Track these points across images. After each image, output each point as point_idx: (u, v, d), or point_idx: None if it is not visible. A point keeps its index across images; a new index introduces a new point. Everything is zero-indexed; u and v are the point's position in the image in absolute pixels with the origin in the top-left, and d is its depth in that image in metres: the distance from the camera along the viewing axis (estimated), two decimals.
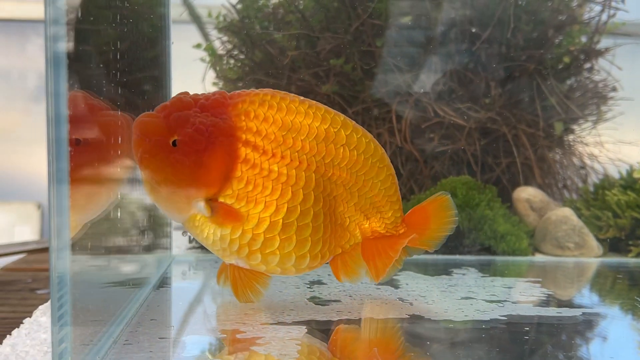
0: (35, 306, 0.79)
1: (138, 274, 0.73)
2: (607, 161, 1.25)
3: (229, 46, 1.25)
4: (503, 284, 0.81)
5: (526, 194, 1.05)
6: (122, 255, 0.68)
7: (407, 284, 0.80)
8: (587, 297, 0.84)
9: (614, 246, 1.05)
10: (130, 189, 0.69)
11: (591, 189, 1.14)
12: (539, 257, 1.01)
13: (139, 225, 0.74)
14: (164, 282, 0.80)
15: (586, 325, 0.67)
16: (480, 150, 1.10)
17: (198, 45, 1.26)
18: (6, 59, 1.65)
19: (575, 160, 1.27)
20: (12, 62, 1.66)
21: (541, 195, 1.05)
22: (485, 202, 0.99)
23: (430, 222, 0.69)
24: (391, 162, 0.68)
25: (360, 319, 0.66)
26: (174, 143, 0.58)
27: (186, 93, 0.61)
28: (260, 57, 1.19)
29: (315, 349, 0.58)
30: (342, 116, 0.65)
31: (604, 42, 1.21)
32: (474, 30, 1.13)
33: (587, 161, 1.27)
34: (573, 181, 1.26)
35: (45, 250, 1.20)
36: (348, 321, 0.65)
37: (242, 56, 1.25)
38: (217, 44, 1.26)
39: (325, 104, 1.15)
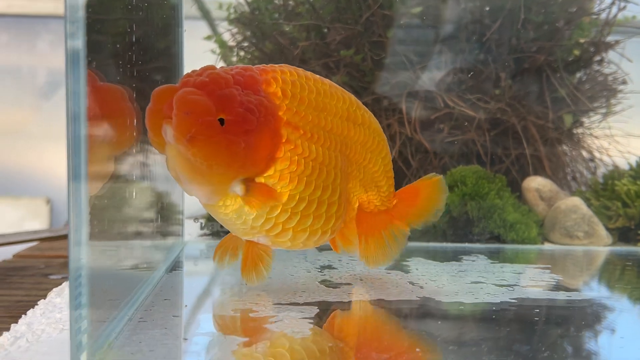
0: (49, 289, 0.80)
1: (151, 259, 0.74)
2: (617, 154, 1.25)
3: (239, 38, 1.26)
4: (512, 270, 0.82)
5: (535, 183, 1.05)
6: (136, 241, 0.69)
7: (417, 269, 0.81)
8: (596, 284, 0.84)
9: (623, 235, 1.05)
10: (144, 176, 0.70)
11: (600, 180, 1.14)
12: (548, 246, 1.01)
13: (152, 211, 0.75)
14: (176, 266, 0.81)
15: (596, 309, 0.67)
16: (489, 142, 1.11)
17: (208, 37, 1.27)
18: (16, 55, 1.66)
19: (584, 153, 1.28)
20: (23, 58, 1.67)
21: (550, 185, 1.06)
22: (495, 191, 0.99)
23: (420, 200, 0.72)
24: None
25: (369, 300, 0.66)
26: (221, 122, 0.54)
27: (213, 67, 0.58)
28: (270, 48, 1.20)
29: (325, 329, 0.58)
30: (349, 94, 0.67)
31: (614, 35, 1.21)
32: (484, 22, 1.13)
33: (596, 154, 1.27)
34: (582, 173, 1.27)
35: (56, 238, 1.22)
36: (357, 303, 0.66)
37: (252, 48, 1.26)
38: (227, 35, 1.27)
39: None
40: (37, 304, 0.71)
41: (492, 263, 0.85)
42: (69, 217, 0.45)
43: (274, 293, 0.68)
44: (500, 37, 1.13)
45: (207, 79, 0.55)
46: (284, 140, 0.58)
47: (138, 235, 0.69)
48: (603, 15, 1.19)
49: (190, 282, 0.76)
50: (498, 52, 1.14)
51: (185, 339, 0.54)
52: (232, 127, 0.54)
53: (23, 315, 0.66)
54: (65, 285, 0.79)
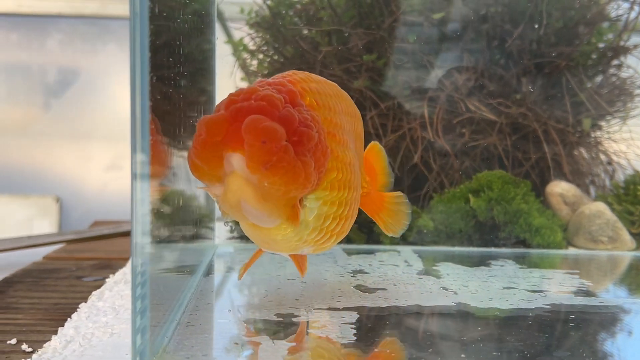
0: (84, 292, 0.81)
1: (190, 262, 0.75)
2: (635, 157, 1.26)
3: (260, 42, 1.27)
4: (541, 275, 0.83)
5: (559, 188, 1.06)
6: (178, 245, 0.71)
7: (447, 274, 0.82)
8: (623, 289, 0.85)
9: None
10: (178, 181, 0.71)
11: (620, 184, 1.15)
12: (572, 250, 1.02)
13: (191, 217, 0.77)
14: (211, 270, 0.82)
15: (627, 314, 0.68)
16: (510, 146, 1.12)
17: (229, 42, 1.28)
18: (26, 54, 1.67)
19: (602, 157, 1.29)
20: (33, 57, 1.68)
21: (574, 190, 1.07)
22: (521, 196, 1.00)
23: (376, 168, 0.76)
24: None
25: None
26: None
27: (256, 88, 0.54)
28: (291, 52, 1.21)
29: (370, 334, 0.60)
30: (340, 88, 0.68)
31: (632, 40, 1.23)
32: (505, 27, 1.14)
33: (614, 157, 1.28)
34: (600, 177, 1.28)
35: (83, 240, 1.23)
36: (397, 308, 0.67)
37: (271, 52, 1.27)
38: (247, 40, 1.28)
39: (357, 99, 1.17)
40: (79, 308, 0.73)
41: (520, 268, 0.87)
42: (132, 224, 0.47)
43: (312, 298, 0.69)
44: (522, 42, 1.14)
45: (264, 103, 0.52)
46: (330, 151, 0.58)
47: (182, 239, 0.71)
48: (622, 20, 1.20)
49: (228, 285, 0.77)
50: (519, 57, 1.15)
51: (237, 344, 0.55)
52: (299, 147, 0.53)
53: (68, 319, 0.68)
54: (105, 289, 0.80)
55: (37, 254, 1.10)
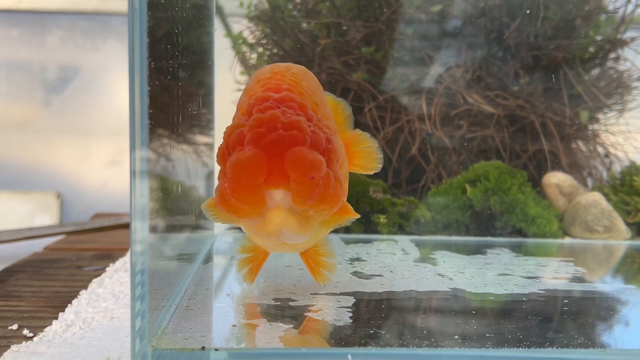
0: (84, 281, 0.82)
1: (190, 251, 0.76)
2: (632, 150, 1.26)
3: (259, 35, 1.28)
4: (537, 262, 0.84)
5: (556, 179, 1.07)
6: (178, 234, 0.71)
7: (444, 262, 0.83)
8: (619, 276, 0.86)
9: None
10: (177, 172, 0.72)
11: (617, 175, 1.16)
12: (568, 240, 1.03)
13: (191, 207, 0.77)
14: (210, 258, 0.83)
15: (620, 298, 0.69)
16: (508, 138, 1.12)
17: (229, 35, 1.29)
18: (27, 50, 1.67)
19: (600, 149, 1.29)
20: (33, 53, 1.68)
21: (570, 181, 1.08)
22: (517, 186, 1.01)
23: (352, 151, 0.71)
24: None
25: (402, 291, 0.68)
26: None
27: (277, 115, 0.52)
28: (290, 45, 1.22)
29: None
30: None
31: (629, 32, 1.23)
32: (503, 20, 1.15)
33: (612, 149, 1.28)
34: (597, 169, 1.28)
35: (83, 232, 1.24)
36: (392, 293, 0.68)
37: (271, 45, 1.28)
38: (246, 33, 1.29)
39: (355, 91, 1.18)
40: (79, 294, 0.74)
41: (516, 256, 0.88)
42: (131, 214, 0.47)
43: (309, 284, 0.70)
44: (519, 35, 1.15)
45: (295, 132, 0.50)
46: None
47: (181, 228, 0.72)
48: (619, 13, 1.21)
49: (227, 272, 0.78)
50: (516, 49, 1.16)
51: (234, 325, 0.56)
52: (332, 166, 0.52)
53: (69, 305, 0.69)
54: (105, 277, 0.81)
55: (38, 245, 1.11)
